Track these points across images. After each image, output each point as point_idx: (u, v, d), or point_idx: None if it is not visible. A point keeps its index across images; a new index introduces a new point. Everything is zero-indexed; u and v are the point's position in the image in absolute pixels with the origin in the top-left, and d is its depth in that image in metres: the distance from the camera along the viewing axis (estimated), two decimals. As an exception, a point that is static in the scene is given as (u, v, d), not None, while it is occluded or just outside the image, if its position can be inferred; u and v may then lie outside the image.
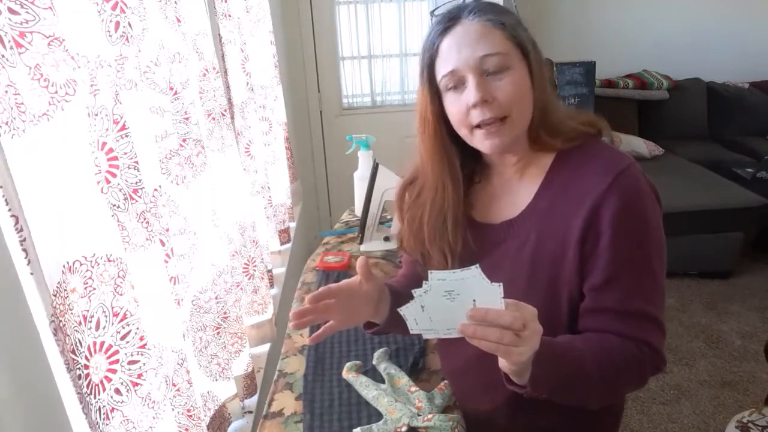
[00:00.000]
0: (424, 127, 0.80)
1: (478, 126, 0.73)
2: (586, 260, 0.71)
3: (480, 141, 0.74)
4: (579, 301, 0.73)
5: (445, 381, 0.92)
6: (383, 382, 0.94)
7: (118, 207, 0.60)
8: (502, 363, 0.63)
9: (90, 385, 0.53)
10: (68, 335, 0.50)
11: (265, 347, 1.32)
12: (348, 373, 0.96)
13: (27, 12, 0.45)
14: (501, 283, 0.60)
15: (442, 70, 0.73)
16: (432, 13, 0.78)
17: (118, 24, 0.62)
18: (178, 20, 0.84)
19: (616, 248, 0.69)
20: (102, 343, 0.55)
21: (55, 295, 0.48)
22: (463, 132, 0.76)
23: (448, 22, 0.72)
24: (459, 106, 0.73)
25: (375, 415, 0.89)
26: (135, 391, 0.59)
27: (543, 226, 0.74)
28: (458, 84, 0.73)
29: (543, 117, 0.74)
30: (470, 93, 0.71)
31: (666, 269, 0.74)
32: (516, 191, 0.80)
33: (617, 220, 0.68)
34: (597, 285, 0.71)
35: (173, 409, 0.70)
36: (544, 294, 0.74)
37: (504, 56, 0.70)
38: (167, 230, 0.75)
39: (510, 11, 0.73)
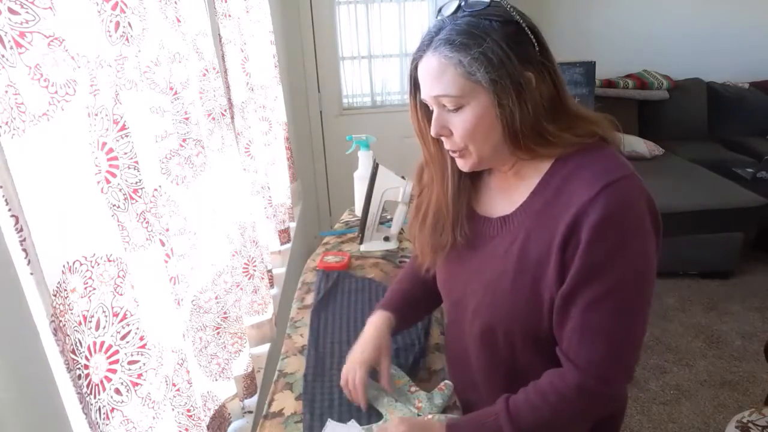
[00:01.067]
0: (418, 134, 0.84)
1: None
2: (565, 268, 0.70)
3: (455, 159, 0.80)
4: (560, 308, 0.73)
5: (446, 381, 0.92)
6: None
7: (118, 207, 0.60)
8: None
9: (90, 385, 0.53)
10: (68, 335, 0.50)
11: (265, 347, 1.32)
12: None
13: (27, 12, 0.45)
14: (352, 420, 0.82)
15: (420, 93, 0.77)
16: (439, 11, 0.78)
17: (118, 24, 0.62)
18: (178, 20, 0.84)
19: (586, 258, 0.67)
20: (102, 343, 0.55)
21: (55, 295, 0.48)
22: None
23: (420, 51, 0.74)
24: None
25: (375, 415, 0.89)
26: (135, 391, 0.59)
27: (533, 226, 0.75)
28: (433, 108, 0.76)
29: (532, 134, 0.72)
30: (431, 124, 0.76)
31: (651, 289, 0.71)
32: (514, 188, 0.80)
33: (594, 230, 0.66)
34: (564, 293, 0.70)
35: (173, 409, 0.70)
36: (527, 293, 0.74)
37: (455, 98, 0.71)
38: (167, 230, 0.75)
39: (479, 38, 0.68)
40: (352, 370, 0.89)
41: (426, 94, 0.74)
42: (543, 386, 0.75)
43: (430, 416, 0.83)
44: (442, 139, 0.77)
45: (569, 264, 0.70)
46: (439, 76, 0.71)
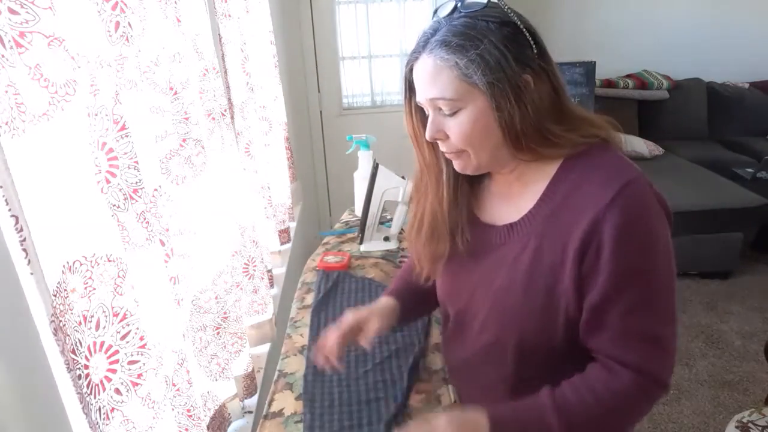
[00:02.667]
0: (413, 138, 0.82)
1: None
2: (586, 274, 0.69)
3: (453, 162, 0.78)
4: (575, 314, 0.71)
5: None
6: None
7: (118, 207, 0.60)
8: None
9: (90, 385, 0.53)
10: (68, 335, 0.50)
11: (265, 347, 1.32)
12: None
13: (27, 12, 0.45)
14: None
15: (416, 96, 0.75)
16: (435, 13, 0.78)
17: (118, 24, 0.62)
18: (178, 20, 0.84)
19: (617, 263, 0.67)
20: (102, 343, 0.55)
21: (55, 295, 0.48)
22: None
23: (415, 53, 0.72)
24: None
25: (375, 416, 0.89)
26: (135, 391, 0.59)
27: (544, 232, 0.73)
28: (428, 111, 0.74)
29: (535, 135, 0.71)
30: (426, 127, 0.74)
31: (675, 279, 0.71)
32: (518, 195, 0.78)
33: (619, 234, 0.66)
34: (597, 301, 0.69)
35: (173, 409, 0.70)
36: (540, 301, 0.73)
37: (451, 101, 0.69)
38: (167, 230, 0.75)
39: (475, 40, 0.67)
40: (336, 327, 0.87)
41: (421, 96, 0.73)
42: (597, 388, 0.71)
43: None
44: (438, 142, 0.76)
45: (590, 271, 0.68)
46: (434, 78, 0.69)
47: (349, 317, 0.87)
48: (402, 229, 1.55)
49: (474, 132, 0.71)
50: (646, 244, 0.68)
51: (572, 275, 0.69)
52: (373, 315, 0.88)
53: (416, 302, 0.98)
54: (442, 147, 0.76)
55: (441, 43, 0.68)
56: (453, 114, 0.71)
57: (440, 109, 0.72)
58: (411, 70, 0.74)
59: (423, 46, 0.71)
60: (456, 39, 0.67)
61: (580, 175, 0.71)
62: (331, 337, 0.86)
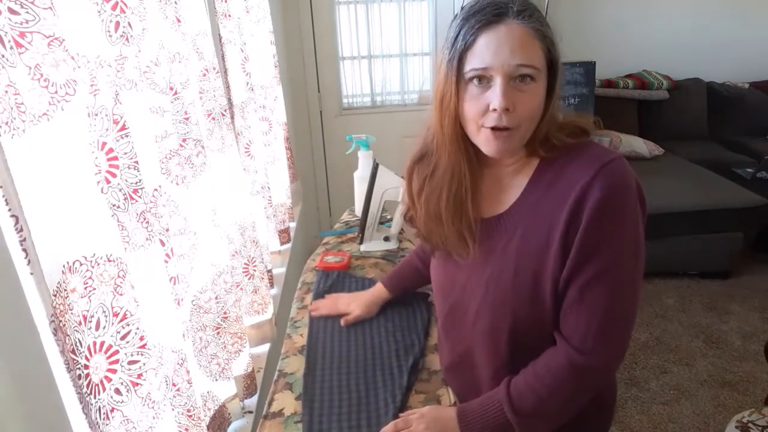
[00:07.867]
0: (444, 113, 0.77)
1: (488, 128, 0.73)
2: (567, 253, 0.71)
3: (484, 142, 0.74)
4: (562, 293, 0.74)
5: None
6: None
7: (118, 207, 0.60)
8: None
9: (90, 385, 0.53)
10: (68, 335, 0.50)
11: (265, 347, 1.32)
12: None
13: (27, 12, 0.45)
14: None
15: (472, 62, 0.71)
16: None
17: (118, 24, 0.62)
18: (178, 20, 0.84)
19: (585, 238, 0.69)
20: (102, 343, 0.55)
21: (55, 295, 0.48)
22: (471, 128, 0.75)
23: (493, 17, 0.70)
24: (478, 104, 0.72)
25: (375, 417, 0.89)
26: (135, 391, 0.59)
27: (529, 220, 0.76)
28: (483, 81, 0.71)
29: (546, 128, 0.74)
30: (496, 96, 0.70)
31: (642, 266, 0.72)
32: (507, 188, 0.81)
33: (594, 209, 0.68)
34: (565, 277, 0.71)
35: (173, 409, 0.70)
36: (528, 286, 0.75)
37: (535, 70, 0.70)
38: (167, 230, 0.75)
39: (548, 23, 0.71)
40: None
41: (501, 61, 0.69)
42: (539, 368, 0.76)
43: None
44: (493, 114, 0.71)
45: (570, 248, 0.70)
46: (526, 45, 0.69)
47: (337, 303, 1.17)
48: (402, 230, 1.55)
49: (537, 107, 0.72)
50: (616, 220, 0.69)
51: (557, 255, 0.71)
52: (357, 305, 1.15)
53: (412, 283, 1.20)
54: (502, 120, 0.71)
55: (530, 14, 0.70)
56: (526, 84, 0.70)
57: (513, 79, 0.70)
58: (474, 40, 0.71)
59: (503, 13, 0.69)
60: (538, 14, 0.71)
61: (564, 165, 0.74)
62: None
